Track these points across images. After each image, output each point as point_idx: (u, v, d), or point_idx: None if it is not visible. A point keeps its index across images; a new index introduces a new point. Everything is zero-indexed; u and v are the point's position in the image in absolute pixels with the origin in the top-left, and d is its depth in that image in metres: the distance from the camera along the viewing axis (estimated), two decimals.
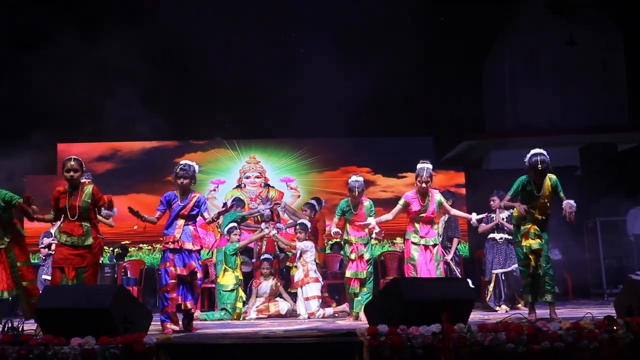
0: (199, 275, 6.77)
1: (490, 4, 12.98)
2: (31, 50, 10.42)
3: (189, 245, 6.65)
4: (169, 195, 6.80)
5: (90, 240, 6.35)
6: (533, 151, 6.68)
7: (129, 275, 10.54)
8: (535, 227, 6.65)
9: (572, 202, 6.56)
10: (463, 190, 12.84)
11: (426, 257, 7.25)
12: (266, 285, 9.03)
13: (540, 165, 6.56)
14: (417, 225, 7.36)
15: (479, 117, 14.28)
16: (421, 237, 7.32)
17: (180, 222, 6.69)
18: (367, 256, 7.72)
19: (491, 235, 9.07)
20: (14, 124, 11.23)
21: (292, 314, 8.80)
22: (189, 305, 6.68)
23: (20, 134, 9.99)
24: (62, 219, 6.46)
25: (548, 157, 6.63)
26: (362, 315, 7.34)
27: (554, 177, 6.68)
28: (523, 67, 14.48)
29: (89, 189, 6.44)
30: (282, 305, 8.89)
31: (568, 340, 4.93)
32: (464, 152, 14.31)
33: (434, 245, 7.32)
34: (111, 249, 11.72)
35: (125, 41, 10.57)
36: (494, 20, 13.71)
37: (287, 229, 10.26)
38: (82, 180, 6.61)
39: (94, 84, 10.66)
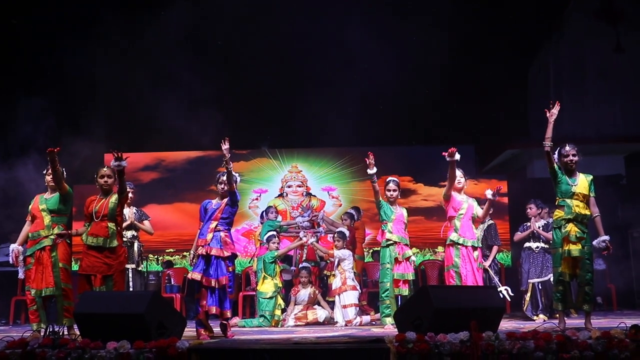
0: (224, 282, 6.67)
1: (535, 10, 12.83)
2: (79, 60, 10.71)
3: (215, 252, 6.60)
4: (204, 202, 6.96)
5: (115, 243, 6.49)
6: None
7: (172, 283, 10.75)
8: (577, 228, 6.39)
9: (601, 238, 6.54)
10: (505, 199, 12.75)
11: (469, 262, 7.32)
12: (304, 293, 9.12)
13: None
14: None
15: (522, 125, 14.10)
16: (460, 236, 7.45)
17: (213, 224, 6.71)
18: (414, 258, 7.86)
19: (527, 244, 9.03)
20: (64, 134, 11.55)
21: (329, 321, 8.87)
22: (228, 314, 6.75)
23: (70, 144, 10.29)
24: (89, 224, 6.55)
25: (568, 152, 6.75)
26: None
27: (590, 176, 6.64)
28: (568, 75, 14.27)
29: (116, 195, 6.63)
30: (320, 313, 8.96)
31: (598, 350, 4.90)
32: (506, 161, 14.17)
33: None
34: (156, 257, 11.97)
35: (170, 51, 10.80)
36: (539, 26, 13.53)
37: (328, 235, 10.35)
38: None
39: (139, 95, 10.89)
